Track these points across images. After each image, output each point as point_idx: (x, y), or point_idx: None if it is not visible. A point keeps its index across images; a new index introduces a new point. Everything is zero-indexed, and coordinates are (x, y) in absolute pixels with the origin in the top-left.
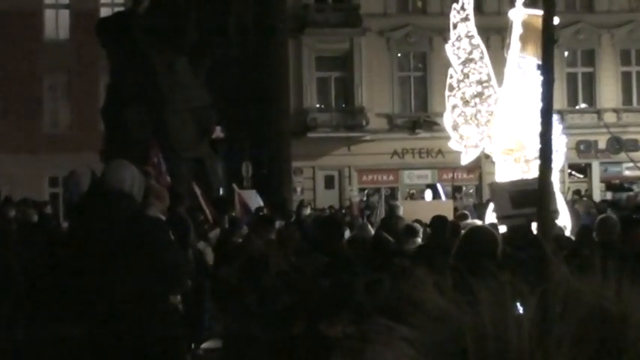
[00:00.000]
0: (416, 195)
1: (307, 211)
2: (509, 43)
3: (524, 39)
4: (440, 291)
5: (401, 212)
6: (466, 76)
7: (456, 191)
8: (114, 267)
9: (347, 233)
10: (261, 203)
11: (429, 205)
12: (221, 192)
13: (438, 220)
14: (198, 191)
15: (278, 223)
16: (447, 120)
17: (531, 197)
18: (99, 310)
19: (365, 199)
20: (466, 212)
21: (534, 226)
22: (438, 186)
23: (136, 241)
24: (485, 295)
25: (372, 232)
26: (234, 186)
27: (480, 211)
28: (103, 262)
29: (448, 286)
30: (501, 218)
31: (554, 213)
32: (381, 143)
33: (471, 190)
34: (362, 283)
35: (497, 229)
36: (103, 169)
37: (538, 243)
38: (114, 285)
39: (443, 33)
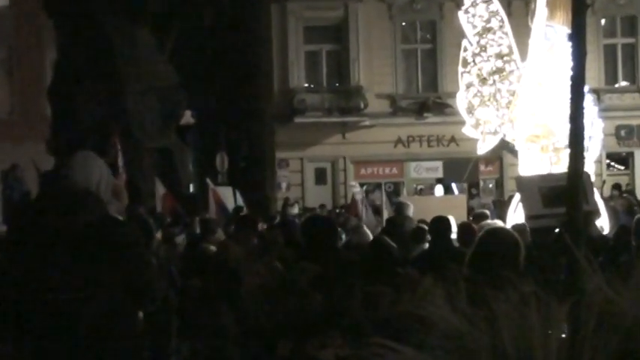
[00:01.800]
0: (424, 191)
1: (294, 210)
2: (534, 10)
3: (552, 4)
4: (452, 305)
5: (410, 212)
6: (483, 48)
7: (472, 187)
8: (74, 281)
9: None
10: (241, 202)
11: (439, 202)
12: (191, 189)
13: (439, 223)
14: (161, 189)
15: (259, 226)
16: (461, 101)
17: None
18: (51, 330)
19: (364, 196)
20: (485, 211)
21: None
22: (453, 186)
23: (105, 251)
24: (504, 309)
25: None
26: (208, 181)
27: (500, 210)
28: (62, 275)
29: (461, 299)
30: (530, 218)
31: (594, 213)
32: (382, 130)
33: (491, 185)
34: (359, 297)
35: (524, 231)
36: (55, 163)
37: (568, 248)
38: (73, 302)
39: None
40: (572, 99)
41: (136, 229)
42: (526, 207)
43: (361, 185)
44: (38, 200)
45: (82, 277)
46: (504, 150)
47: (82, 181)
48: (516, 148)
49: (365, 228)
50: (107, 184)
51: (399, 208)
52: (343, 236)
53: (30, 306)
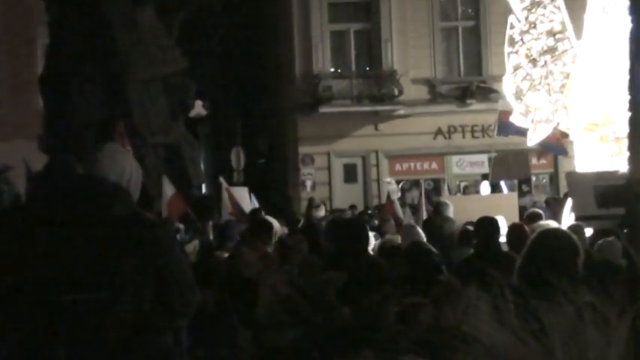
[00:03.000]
0: (469, 188)
1: (321, 212)
2: None
3: None
4: (498, 319)
5: (450, 212)
6: (532, 25)
7: (523, 183)
8: (100, 285)
9: (372, 241)
10: (256, 204)
11: (486, 201)
12: (203, 189)
13: (485, 225)
14: (170, 190)
15: (280, 230)
16: (508, 86)
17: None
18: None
19: (400, 195)
20: (538, 211)
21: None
22: (501, 183)
23: (138, 249)
24: (558, 323)
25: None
26: (222, 180)
27: (554, 209)
28: (84, 275)
29: (509, 312)
30: (582, 219)
31: None
32: (419, 119)
33: (544, 181)
34: (393, 309)
35: (580, 233)
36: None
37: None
38: (92, 303)
39: None
40: (631, 81)
41: (172, 231)
42: (578, 207)
43: (397, 183)
44: (39, 194)
45: (106, 273)
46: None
47: (112, 175)
48: (572, 138)
49: (419, 229)
50: (137, 183)
51: (438, 208)
52: (373, 240)
53: (29, 305)
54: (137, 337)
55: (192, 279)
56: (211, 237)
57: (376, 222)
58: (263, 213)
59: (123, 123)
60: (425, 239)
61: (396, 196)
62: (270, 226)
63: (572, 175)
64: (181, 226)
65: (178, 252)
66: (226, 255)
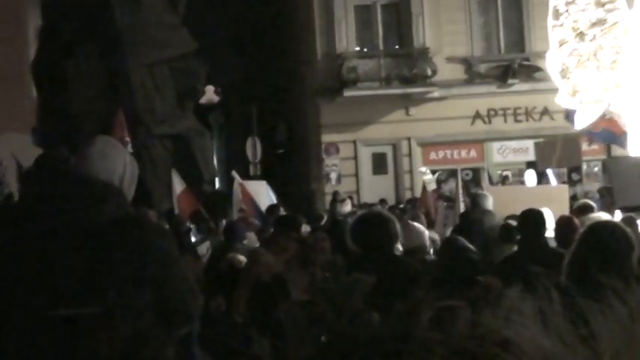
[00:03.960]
0: (511, 179)
1: (346, 208)
2: None
3: None
4: (544, 324)
5: (490, 205)
6: None
7: (572, 171)
8: (87, 290)
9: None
10: (274, 199)
11: (532, 192)
12: (216, 185)
13: (530, 218)
14: (179, 185)
15: (302, 229)
16: (553, 63)
17: None
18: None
19: (435, 187)
20: (589, 202)
21: None
22: (549, 172)
23: (133, 256)
24: (609, 327)
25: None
26: (235, 174)
27: (608, 200)
28: (71, 282)
29: (557, 315)
30: (627, 209)
31: None
32: (455, 102)
33: (596, 169)
34: (427, 315)
35: (633, 225)
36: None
37: None
38: (85, 319)
39: None
40: None
41: (170, 235)
42: (622, 197)
43: (432, 173)
44: (30, 193)
45: (99, 285)
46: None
47: (103, 174)
48: (623, 121)
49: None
50: (131, 181)
51: (476, 201)
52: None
53: (14, 323)
54: (135, 353)
55: (194, 284)
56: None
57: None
58: (281, 209)
59: (124, 112)
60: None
61: (433, 187)
62: (297, 223)
63: (615, 162)
64: (192, 225)
65: (177, 256)
66: (239, 256)
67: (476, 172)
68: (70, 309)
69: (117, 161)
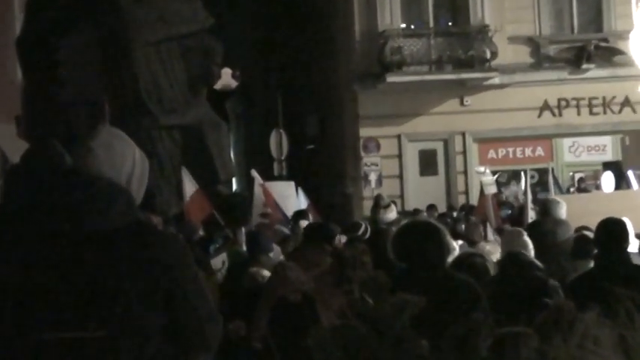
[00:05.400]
0: (586, 182)
1: (391, 215)
2: None
3: None
4: (625, 355)
5: (563, 214)
6: None
7: None
8: (90, 312)
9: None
10: (304, 204)
11: (610, 199)
12: (234, 186)
13: (610, 229)
14: (191, 186)
15: (337, 240)
16: (637, 45)
17: None
18: None
19: (495, 190)
20: None
21: None
22: (630, 175)
23: (141, 271)
24: None
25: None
26: (254, 173)
27: None
28: (70, 302)
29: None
30: None
31: None
32: (519, 91)
33: None
34: (486, 343)
35: None
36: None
37: None
38: (88, 344)
39: None
40: None
41: (186, 245)
42: None
43: (494, 174)
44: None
45: (102, 305)
46: None
47: (108, 171)
48: None
49: (525, 236)
50: (141, 179)
51: (545, 208)
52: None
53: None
54: None
55: (214, 306)
56: (244, 247)
57: (463, 227)
58: (310, 216)
59: (126, 98)
60: (531, 248)
61: (492, 191)
62: (330, 233)
63: None
64: (204, 233)
65: (195, 272)
66: (263, 271)
67: (542, 174)
68: (68, 332)
69: (125, 156)
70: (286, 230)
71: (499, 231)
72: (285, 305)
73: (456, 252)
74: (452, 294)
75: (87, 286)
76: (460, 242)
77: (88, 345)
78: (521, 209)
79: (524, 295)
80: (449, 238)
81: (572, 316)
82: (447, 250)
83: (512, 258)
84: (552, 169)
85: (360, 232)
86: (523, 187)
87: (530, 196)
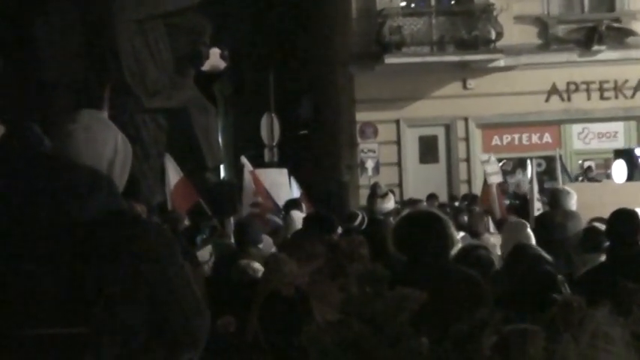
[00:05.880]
0: (595, 171)
1: (388, 204)
2: None
3: None
4: (638, 353)
5: (573, 205)
6: None
7: None
8: (68, 308)
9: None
10: (297, 193)
11: (622, 189)
12: (222, 173)
13: (622, 221)
14: (175, 174)
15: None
16: None
17: None
18: None
19: (500, 179)
20: None
21: None
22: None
23: (122, 264)
24: None
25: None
26: (244, 160)
27: None
28: (47, 298)
29: None
30: None
31: None
32: (526, 74)
33: None
34: (490, 341)
35: None
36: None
37: None
38: (67, 342)
39: None
40: None
41: (171, 236)
42: None
43: (499, 162)
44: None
45: (83, 299)
46: None
47: (89, 157)
48: None
49: (528, 228)
50: (123, 166)
51: (554, 199)
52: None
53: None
54: None
55: (200, 299)
56: (232, 239)
57: (465, 218)
58: (303, 206)
59: (108, 80)
60: (534, 241)
61: (497, 180)
62: (330, 223)
63: None
64: (190, 223)
65: (181, 264)
66: (253, 264)
67: (550, 162)
68: (48, 329)
69: (106, 141)
70: (278, 220)
71: (501, 222)
72: (277, 299)
73: (459, 244)
74: (455, 289)
75: (66, 280)
76: (462, 234)
77: (69, 341)
78: (526, 199)
79: (531, 291)
80: (453, 229)
81: (582, 312)
82: (451, 242)
83: (520, 250)
84: (560, 157)
85: (357, 222)
86: (529, 176)
87: (536, 186)
